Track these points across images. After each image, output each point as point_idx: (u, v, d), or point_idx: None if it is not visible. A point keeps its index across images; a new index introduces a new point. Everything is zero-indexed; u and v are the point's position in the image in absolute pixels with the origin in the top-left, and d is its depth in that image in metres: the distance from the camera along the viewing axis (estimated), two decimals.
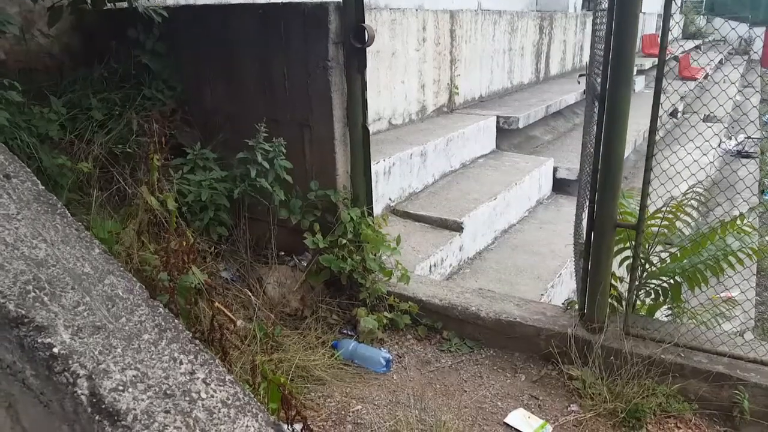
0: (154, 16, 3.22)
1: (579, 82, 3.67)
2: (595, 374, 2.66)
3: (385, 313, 3.09)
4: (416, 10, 5.99)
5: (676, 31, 26.82)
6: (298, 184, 3.28)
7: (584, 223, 3.81)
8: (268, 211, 3.23)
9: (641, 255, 2.76)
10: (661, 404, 2.48)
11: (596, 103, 2.80)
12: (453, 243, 4.14)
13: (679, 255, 2.83)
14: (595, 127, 2.66)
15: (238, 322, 2.74)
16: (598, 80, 2.72)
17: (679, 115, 12.79)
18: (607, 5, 2.48)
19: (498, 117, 6.57)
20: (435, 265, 3.90)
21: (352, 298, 3.22)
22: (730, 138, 12.22)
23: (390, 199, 4.54)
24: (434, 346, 3.05)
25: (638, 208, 2.60)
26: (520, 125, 6.64)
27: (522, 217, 5.44)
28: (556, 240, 4.86)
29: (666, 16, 2.32)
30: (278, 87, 3.30)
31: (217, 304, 2.10)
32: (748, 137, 12.19)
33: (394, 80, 5.63)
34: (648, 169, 2.51)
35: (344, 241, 3.09)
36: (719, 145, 11.14)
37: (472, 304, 3.09)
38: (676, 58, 21.61)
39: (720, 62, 21.58)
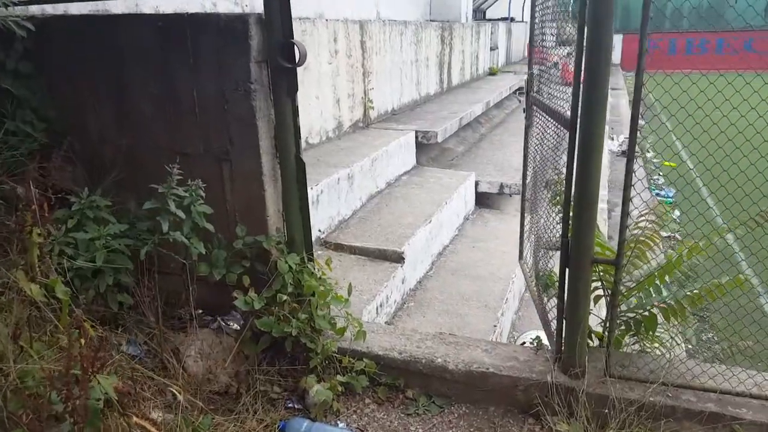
0: (15, 29, 2.52)
1: (519, 101, 3.44)
2: (584, 427, 2.38)
3: (338, 377, 2.62)
4: (326, 20, 5.56)
5: (550, 39, 28.85)
6: (220, 231, 2.73)
7: (528, 245, 3.59)
8: (183, 265, 2.65)
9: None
10: None
11: (555, 128, 2.55)
12: (396, 276, 3.75)
13: (647, 285, 2.65)
14: (564, 156, 2.39)
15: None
16: (563, 104, 2.47)
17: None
18: (576, 26, 2.20)
19: (417, 132, 6.31)
20: (381, 305, 3.49)
21: (295, 362, 2.72)
22: (612, 139, 13.00)
23: (319, 230, 4.07)
24: (399, 410, 2.63)
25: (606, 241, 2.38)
26: (439, 140, 6.44)
27: (453, 236, 5.19)
28: (492, 260, 4.64)
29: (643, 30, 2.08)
30: (186, 114, 2.73)
31: (136, 420, 1.55)
32: (626, 138, 13.03)
33: (309, 96, 5.16)
34: (626, 201, 2.28)
35: (284, 297, 2.59)
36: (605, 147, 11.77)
37: (436, 355, 2.71)
38: (556, 65, 23.07)
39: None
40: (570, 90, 2.26)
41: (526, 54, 21.30)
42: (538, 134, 3.28)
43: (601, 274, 2.67)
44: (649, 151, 11.44)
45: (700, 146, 2.52)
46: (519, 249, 3.78)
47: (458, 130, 7.84)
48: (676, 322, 2.57)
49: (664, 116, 2.71)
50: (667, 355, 2.66)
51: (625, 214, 2.30)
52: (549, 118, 2.83)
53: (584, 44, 2.17)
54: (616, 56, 34.31)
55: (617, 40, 35.30)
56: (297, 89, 2.63)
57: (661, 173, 11.42)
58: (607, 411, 2.38)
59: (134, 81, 2.76)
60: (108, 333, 2.41)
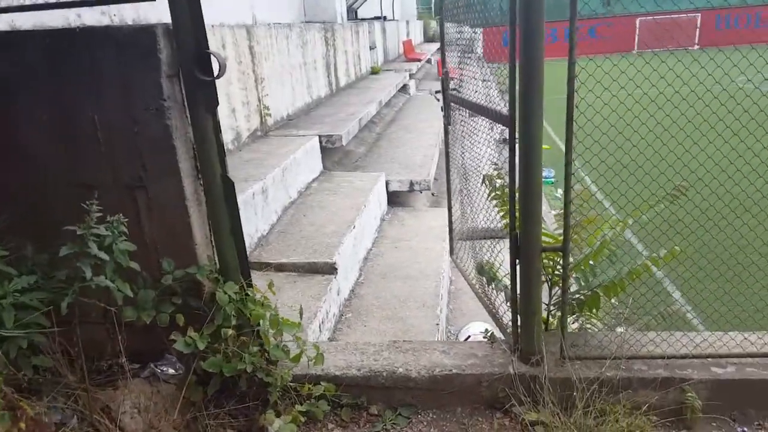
0: None
1: (438, 99, 3.45)
2: (553, 412, 2.42)
3: (298, 407, 2.45)
4: (212, 26, 5.24)
5: (419, 35, 29.84)
6: (143, 268, 2.43)
7: (462, 240, 3.62)
8: (105, 312, 2.33)
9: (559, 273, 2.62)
10: (627, 426, 2.34)
11: (494, 126, 2.57)
12: (332, 289, 3.61)
13: (583, 266, 2.77)
14: (506, 151, 2.41)
15: None
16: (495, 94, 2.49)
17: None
18: (509, 27, 2.21)
19: (320, 136, 6.16)
20: (323, 322, 3.33)
21: (245, 399, 2.50)
22: (492, 128, 13.74)
23: None
24: (365, 430, 2.51)
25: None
26: (344, 143, 6.34)
27: (374, 238, 5.13)
28: (418, 259, 4.65)
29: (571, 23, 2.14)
30: (88, 141, 2.40)
31: None
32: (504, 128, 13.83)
33: None
34: (568, 189, 2.34)
35: (229, 332, 2.36)
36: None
37: (396, 365, 2.63)
38: (429, 61, 23.83)
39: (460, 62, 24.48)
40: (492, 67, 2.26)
41: (401, 51, 21.84)
42: (463, 131, 3.30)
43: (544, 261, 2.73)
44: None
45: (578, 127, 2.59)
46: (449, 245, 3.80)
47: (357, 132, 7.81)
48: (615, 298, 2.71)
49: None
50: (617, 330, 2.79)
51: (567, 202, 2.36)
52: (478, 115, 2.84)
53: (516, 43, 2.18)
54: (479, 48, 36.58)
55: (479, 33, 37.62)
56: (218, 103, 2.41)
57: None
58: (570, 393, 2.44)
59: (22, 109, 2.37)
60: (26, 403, 2.05)
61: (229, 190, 2.54)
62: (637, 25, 28.73)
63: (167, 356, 2.61)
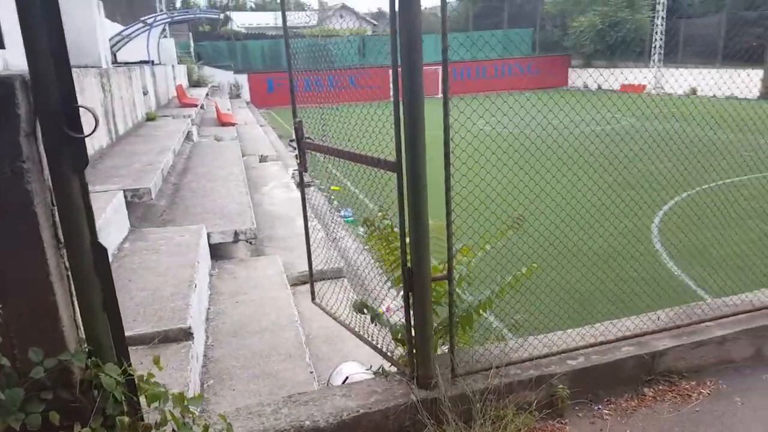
0: None
1: (294, 149, 3.51)
2: (456, 429, 2.63)
3: None
4: None
5: (185, 80, 29.00)
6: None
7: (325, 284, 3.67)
8: None
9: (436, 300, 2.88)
10: (517, 426, 2.67)
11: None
12: (192, 356, 3.31)
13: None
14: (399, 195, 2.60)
15: None
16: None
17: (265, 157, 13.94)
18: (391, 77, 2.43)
19: (125, 191, 5.59)
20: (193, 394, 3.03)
21: None
22: (287, 168, 14.03)
23: None
24: None
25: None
26: (153, 196, 5.86)
27: (209, 296, 4.82)
28: (266, 311, 4.52)
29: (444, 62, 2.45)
30: None
31: None
32: (295, 169, 14.29)
33: None
34: (449, 223, 2.63)
35: (125, 420, 2.05)
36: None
37: (302, 419, 2.56)
38: (202, 107, 23.25)
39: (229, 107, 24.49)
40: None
41: (173, 95, 20.88)
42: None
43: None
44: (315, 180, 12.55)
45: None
46: (311, 291, 3.82)
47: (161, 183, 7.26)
48: (484, 314, 3.07)
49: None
50: (497, 344, 3.12)
51: (450, 234, 2.65)
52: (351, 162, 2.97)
53: (401, 97, 2.40)
54: (245, 94, 36.88)
55: (243, 79, 38.00)
56: (87, 162, 2.12)
57: (333, 197, 12.83)
58: (468, 407, 2.68)
59: None
60: None
61: (100, 258, 2.22)
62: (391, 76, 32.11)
63: None
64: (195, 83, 31.17)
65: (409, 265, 2.61)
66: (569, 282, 3.47)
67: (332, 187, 13.15)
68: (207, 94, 26.46)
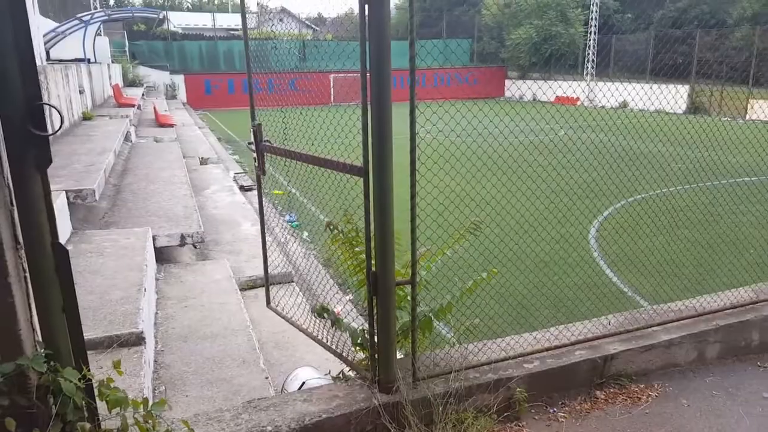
0: None
1: (252, 150, 3.48)
2: (417, 430, 2.69)
3: None
4: None
5: (120, 80, 27.94)
6: None
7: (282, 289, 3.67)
8: None
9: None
10: (478, 429, 2.76)
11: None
12: (145, 361, 3.21)
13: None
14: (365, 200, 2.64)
15: None
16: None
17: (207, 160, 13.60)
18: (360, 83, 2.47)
19: (67, 192, 5.34)
20: (149, 399, 2.94)
21: None
22: (228, 171, 13.77)
23: None
24: None
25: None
26: (97, 197, 5.62)
27: (156, 300, 4.68)
28: (216, 315, 4.44)
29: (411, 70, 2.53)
30: None
31: None
32: (237, 173, 14.06)
33: None
34: (414, 229, 2.70)
35: (87, 426, 1.99)
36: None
37: (263, 424, 2.55)
38: (139, 107, 22.41)
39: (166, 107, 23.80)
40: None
41: (109, 95, 20.02)
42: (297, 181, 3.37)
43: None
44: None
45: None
46: (266, 296, 3.79)
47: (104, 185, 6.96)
48: (444, 319, 3.16)
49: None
50: (457, 347, 3.19)
51: (414, 240, 2.72)
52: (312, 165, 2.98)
53: (369, 102, 2.45)
54: (182, 95, 35.89)
55: (180, 80, 36.94)
56: (50, 160, 2.05)
57: (276, 201, 12.68)
58: (429, 410, 2.75)
59: None
60: None
61: (61, 259, 2.15)
62: (332, 81, 31.67)
63: None
64: (130, 83, 30.26)
65: (373, 269, 2.66)
66: (513, 286, 3.60)
67: (274, 191, 12.99)
68: (143, 95, 25.61)
